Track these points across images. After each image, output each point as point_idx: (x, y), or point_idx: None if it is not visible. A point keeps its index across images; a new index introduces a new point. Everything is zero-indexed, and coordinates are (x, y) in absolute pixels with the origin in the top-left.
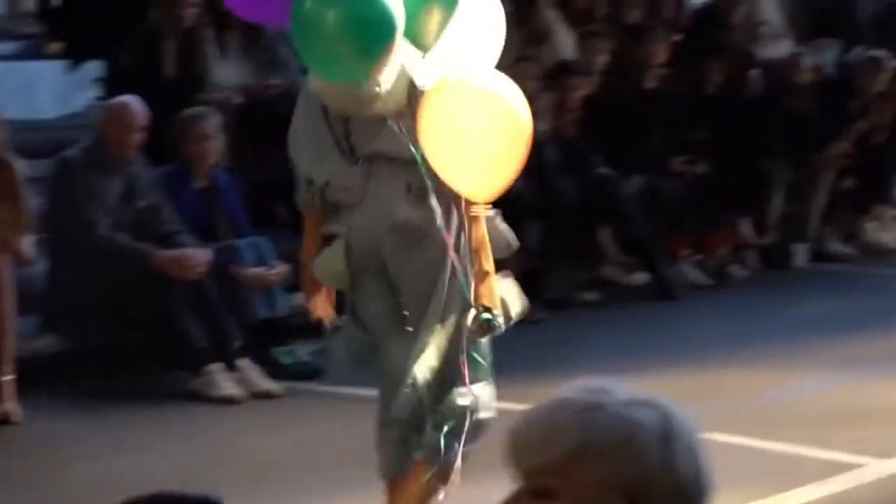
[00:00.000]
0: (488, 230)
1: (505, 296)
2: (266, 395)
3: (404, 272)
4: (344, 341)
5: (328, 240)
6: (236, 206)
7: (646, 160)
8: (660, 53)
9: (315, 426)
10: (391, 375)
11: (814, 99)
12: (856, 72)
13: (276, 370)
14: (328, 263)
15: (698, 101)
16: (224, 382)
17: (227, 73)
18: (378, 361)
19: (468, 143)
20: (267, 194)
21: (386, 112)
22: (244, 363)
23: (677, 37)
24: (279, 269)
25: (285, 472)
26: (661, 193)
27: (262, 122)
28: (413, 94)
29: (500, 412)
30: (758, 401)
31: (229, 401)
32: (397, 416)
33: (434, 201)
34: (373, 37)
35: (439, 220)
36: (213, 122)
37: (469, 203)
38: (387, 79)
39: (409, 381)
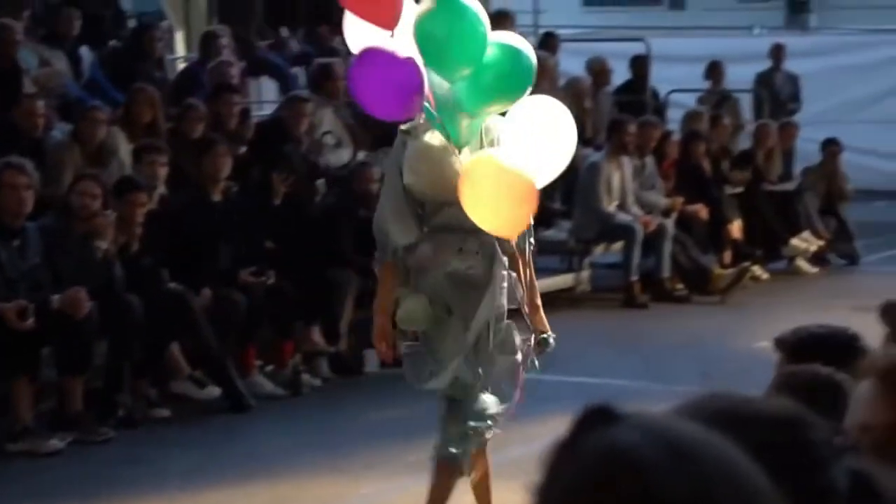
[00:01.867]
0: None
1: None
2: None
3: (462, 307)
4: (414, 365)
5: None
6: None
7: (214, 273)
8: (225, 166)
9: None
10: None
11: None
12: None
13: None
14: (413, 312)
15: (266, 212)
16: None
17: None
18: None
19: (497, 199)
20: None
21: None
22: None
23: (242, 149)
24: None
25: None
26: (231, 306)
27: None
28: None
29: None
30: None
31: None
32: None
33: (481, 257)
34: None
35: (486, 268)
36: None
37: (514, 255)
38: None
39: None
